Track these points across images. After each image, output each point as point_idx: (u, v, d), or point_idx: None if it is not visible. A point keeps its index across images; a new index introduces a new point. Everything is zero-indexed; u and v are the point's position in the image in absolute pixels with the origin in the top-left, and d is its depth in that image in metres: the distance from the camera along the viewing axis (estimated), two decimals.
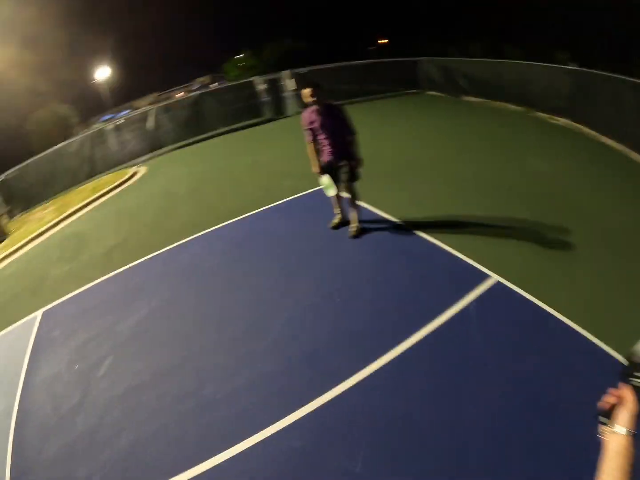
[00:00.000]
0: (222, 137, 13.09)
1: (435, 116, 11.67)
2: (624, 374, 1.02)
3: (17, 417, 3.69)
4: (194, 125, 13.36)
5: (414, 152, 8.60)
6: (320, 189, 5.59)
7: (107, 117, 23.85)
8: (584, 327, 3.60)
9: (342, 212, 5.74)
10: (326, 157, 5.28)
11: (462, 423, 2.94)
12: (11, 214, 11.10)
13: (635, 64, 13.03)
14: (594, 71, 8.95)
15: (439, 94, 14.22)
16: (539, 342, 3.57)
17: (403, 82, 14.69)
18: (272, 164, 9.20)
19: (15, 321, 5.27)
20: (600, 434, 1.00)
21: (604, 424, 1.01)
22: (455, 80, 13.57)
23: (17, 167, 11.77)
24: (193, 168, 10.15)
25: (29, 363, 4.38)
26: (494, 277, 4.35)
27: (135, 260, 5.90)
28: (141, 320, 4.62)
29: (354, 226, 5.54)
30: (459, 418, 2.98)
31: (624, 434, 0.94)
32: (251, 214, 6.60)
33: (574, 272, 4.43)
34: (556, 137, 9.04)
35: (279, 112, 14.06)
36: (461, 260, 4.71)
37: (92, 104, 28.28)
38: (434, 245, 5.07)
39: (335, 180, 5.35)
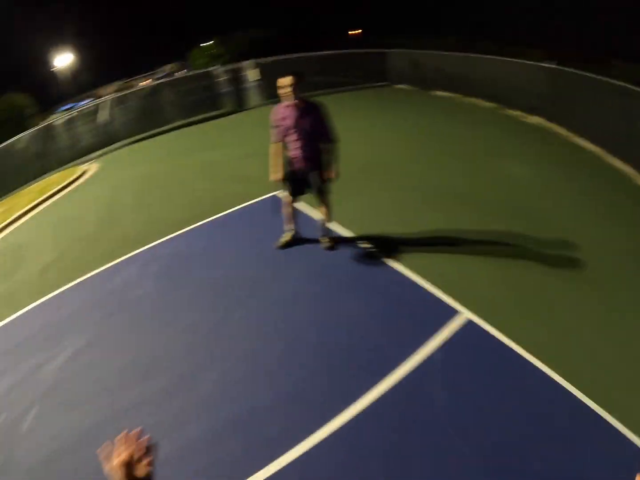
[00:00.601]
0: (178, 130, 12.36)
1: (402, 112, 11.16)
2: None
3: None
4: (150, 117, 12.57)
5: (378, 153, 8.15)
6: (272, 198, 5.05)
7: (67, 106, 22.71)
8: (569, 381, 3.15)
9: (295, 228, 5.16)
10: (295, 163, 4.57)
11: None
12: None
13: (613, 66, 12.93)
14: (573, 70, 8.57)
15: (408, 87, 13.75)
16: (518, 399, 3.10)
17: (371, 75, 14.14)
18: (225, 164, 8.67)
19: None
20: None
21: None
22: (426, 74, 13.09)
23: None
24: (143, 168, 9.48)
25: None
26: (465, 314, 3.87)
27: (67, 283, 5.31)
28: (66, 364, 4.05)
29: (326, 239, 5.07)
30: None
31: None
32: (194, 227, 6.09)
33: (557, 309, 3.97)
34: (530, 137, 8.69)
35: (239, 104, 13.37)
36: (427, 291, 4.24)
37: (52, 93, 26.90)
38: (394, 271, 4.59)
39: (300, 191, 4.74)
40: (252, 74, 13.08)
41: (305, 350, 3.77)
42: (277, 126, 4.49)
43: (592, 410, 2.96)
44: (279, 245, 5.17)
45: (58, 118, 11.92)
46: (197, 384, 3.59)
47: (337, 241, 5.16)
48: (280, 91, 4.27)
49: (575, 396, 3.07)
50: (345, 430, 3.00)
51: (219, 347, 3.96)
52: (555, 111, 9.12)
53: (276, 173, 4.65)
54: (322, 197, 4.76)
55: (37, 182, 10.97)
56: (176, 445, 3.07)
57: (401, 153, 8.04)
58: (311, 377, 3.50)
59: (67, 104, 24.76)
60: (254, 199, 6.61)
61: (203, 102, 13.15)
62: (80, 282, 5.32)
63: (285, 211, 4.98)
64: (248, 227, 5.92)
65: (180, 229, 6.09)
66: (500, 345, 3.55)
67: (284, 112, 4.41)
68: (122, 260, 5.57)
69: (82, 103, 20.97)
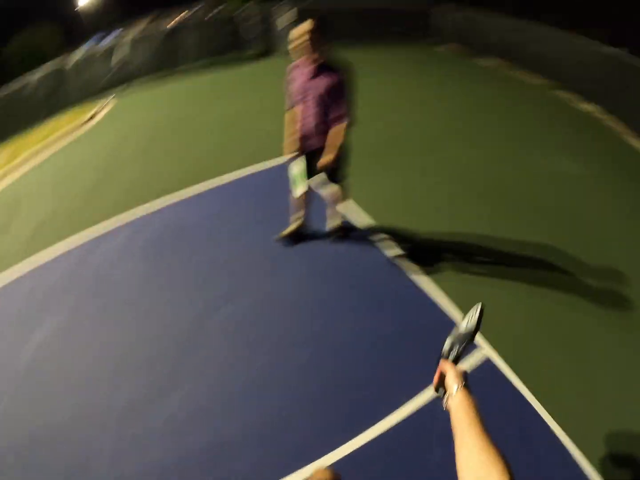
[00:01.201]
0: (198, 74, 11.45)
1: (442, 78, 10.08)
2: (444, 352, 1.21)
3: None
4: (171, 59, 11.78)
5: (410, 125, 7.28)
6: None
7: (90, 43, 21.69)
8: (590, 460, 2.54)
9: (305, 218, 4.32)
10: (303, 137, 3.69)
11: None
12: None
13: None
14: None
15: (453, 49, 12.50)
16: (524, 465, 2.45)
17: (414, 31, 12.91)
18: (240, 117, 7.98)
19: None
20: (444, 405, 1.07)
21: (442, 395, 1.11)
22: (475, 37, 11.81)
23: None
24: (154, 114, 8.85)
25: None
26: (485, 350, 3.22)
27: (55, 247, 4.83)
28: (40, 348, 3.61)
29: (335, 227, 4.34)
30: None
31: (459, 390, 1.05)
32: (194, 192, 5.49)
33: (590, 360, 3.24)
34: (581, 128, 7.60)
35: (268, 50, 12.33)
36: (444, 313, 3.55)
37: (78, 30, 25.72)
38: (409, 281, 3.89)
39: (310, 172, 3.85)
40: (285, 17, 11.96)
41: (288, 374, 3.18)
42: (288, 88, 3.65)
43: None
44: (280, 236, 4.38)
45: (76, 56, 11.23)
46: (155, 407, 3.05)
47: (348, 231, 4.46)
48: (295, 43, 3.29)
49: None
50: None
51: (189, 358, 3.39)
52: (613, 102, 7.89)
53: (289, 147, 3.79)
54: (331, 179, 3.90)
55: (53, 118, 10.42)
56: (134, 469, 2.69)
57: (441, 128, 7.19)
58: (288, 409, 2.93)
59: (96, 36, 23.81)
60: (266, 163, 5.93)
61: (228, 44, 12.27)
62: (64, 252, 4.78)
63: (295, 198, 4.18)
64: (253, 200, 5.24)
65: (180, 191, 5.52)
66: (516, 393, 2.95)
67: (294, 72, 3.53)
68: (110, 229, 5.01)
69: (112, 35, 20.09)
